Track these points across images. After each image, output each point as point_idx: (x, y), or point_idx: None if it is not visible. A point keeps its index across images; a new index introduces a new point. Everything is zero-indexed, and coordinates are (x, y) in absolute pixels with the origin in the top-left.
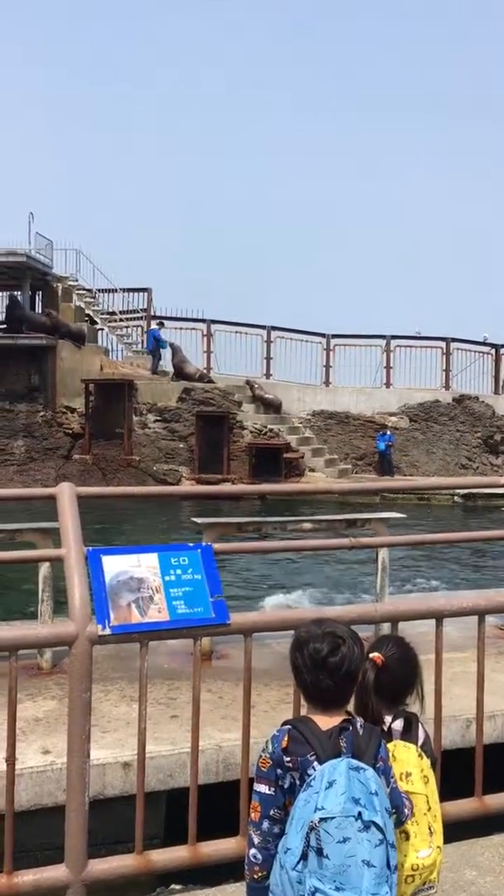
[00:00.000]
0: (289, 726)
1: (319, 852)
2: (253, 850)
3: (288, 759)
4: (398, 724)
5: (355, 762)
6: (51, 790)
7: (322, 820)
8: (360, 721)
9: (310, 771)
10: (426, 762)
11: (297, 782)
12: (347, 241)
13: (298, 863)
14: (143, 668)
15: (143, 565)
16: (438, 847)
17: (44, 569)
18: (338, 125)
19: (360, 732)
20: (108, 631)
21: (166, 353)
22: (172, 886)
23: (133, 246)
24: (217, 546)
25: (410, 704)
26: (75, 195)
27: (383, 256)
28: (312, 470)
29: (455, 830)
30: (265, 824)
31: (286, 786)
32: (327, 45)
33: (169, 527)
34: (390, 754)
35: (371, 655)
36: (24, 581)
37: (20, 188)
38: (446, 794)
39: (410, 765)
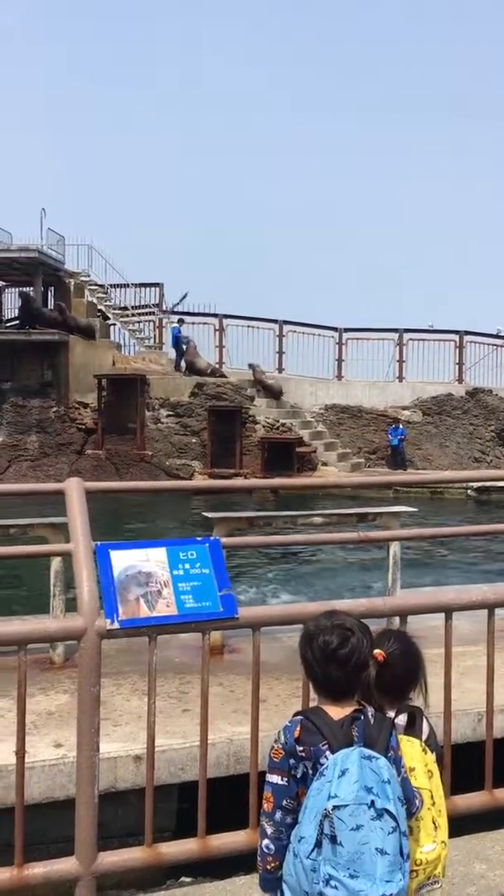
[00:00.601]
0: (301, 717)
1: (333, 840)
2: (266, 841)
3: (301, 748)
4: (401, 719)
5: (367, 751)
6: (63, 783)
7: (335, 808)
8: (371, 711)
9: (322, 760)
10: (430, 757)
11: (310, 772)
12: (359, 236)
13: (312, 851)
14: (152, 662)
15: (151, 560)
16: (443, 842)
17: (55, 563)
18: (347, 122)
19: (372, 722)
20: (116, 625)
21: (205, 353)
22: (182, 879)
23: (145, 241)
24: (225, 540)
25: (414, 699)
26: (86, 191)
27: (395, 251)
28: (325, 464)
29: (465, 824)
30: (278, 815)
31: (298, 776)
32: (335, 45)
33: (181, 521)
34: None
35: (373, 652)
36: (39, 575)
37: (32, 184)
38: (457, 787)
39: (414, 759)
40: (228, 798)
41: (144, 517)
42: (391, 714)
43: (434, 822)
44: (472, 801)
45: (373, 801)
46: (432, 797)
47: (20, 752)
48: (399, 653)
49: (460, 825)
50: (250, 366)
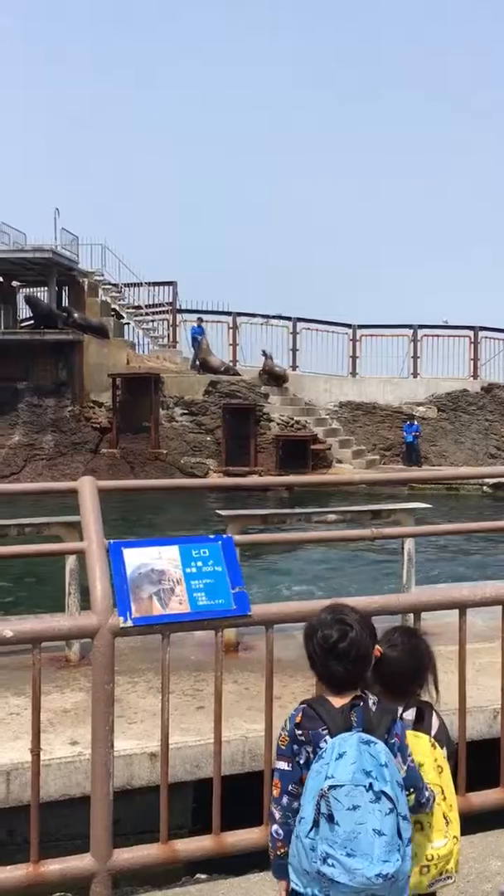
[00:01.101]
0: (304, 705)
1: (330, 819)
2: (275, 827)
3: (300, 732)
4: (409, 714)
5: (366, 736)
6: (79, 780)
7: (331, 787)
8: (372, 699)
9: (321, 744)
10: (440, 752)
11: (312, 756)
12: (372, 233)
13: (311, 830)
14: (165, 659)
15: (163, 557)
16: (455, 837)
17: (70, 561)
18: (360, 118)
19: (374, 709)
20: (129, 623)
21: (218, 349)
22: (198, 876)
23: (158, 240)
24: (238, 538)
25: (422, 695)
26: (100, 190)
27: (409, 247)
28: (340, 461)
29: (481, 821)
30: (284, 799)
31: (302, 761)
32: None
33: (195, 519)
34: None
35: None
36: (56, 574)
37: (46, 185)
38: (473, 784)
39: (422, 755)
40: (243, 795)
41: (159, 515)
42: (404, 712)
43: (445, 818)
44: (487, 797)
45: (371, 784)
46: (443, 793)
47: (35, 750)
48: (403, 648)
49: (476, 822)
50: (263, 353)
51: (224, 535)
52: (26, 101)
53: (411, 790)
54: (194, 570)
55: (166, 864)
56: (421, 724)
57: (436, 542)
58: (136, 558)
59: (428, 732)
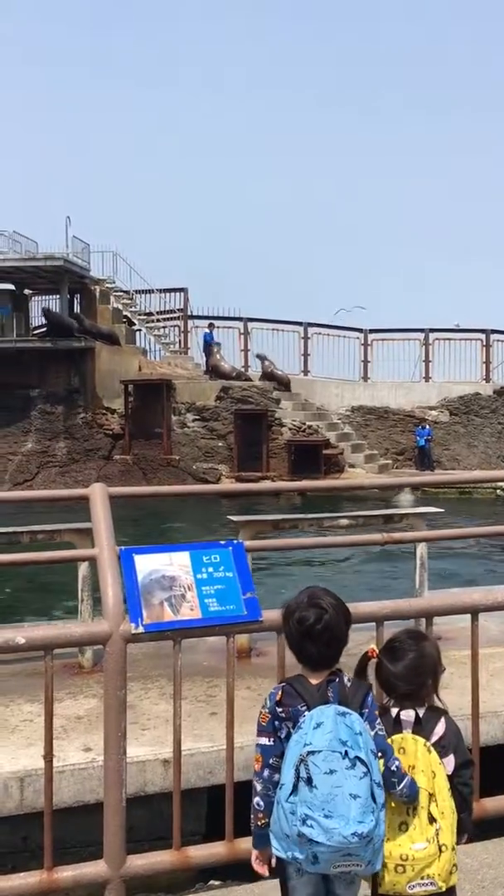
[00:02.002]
0: (284, 683)
1: (309, 782)
2: (256, 799)
3: (280, 709)
4: (408, 715)
5: (342, 708)
6: (93, 787)
7: (310, 753)
8: (346, 676)
9: (301, 719)
10: (434, 757)
11: (292, 730)
12: (383, 237)
13: (291, 794)
14: (177, 665)
15: (174, 564)
16: (444, 845)
17: (83, 568)
18: (369, 122)
19: (348, 685)
20: (141, 629)
21: (230, 357)
22: (211, 882)
23: (170, 246)
24: (249, 543)
25: (433, 699)
26: (111, 198)
27: (420, 249)
28: (352, 466)
29: (496, 826)
30: (266, 772)
31: (283, 736)
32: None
33: (207, 524)
34: (398, 746)
35: (367, 649)
36: (68, 580)
37: (58, 193)
38: (487, 790)
39: (415, 758)
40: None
41: (170, 521)
42: (395, 710)
43: (433, 821)
44: (502, 803)
45: (346, 752)
46: (433, 797)
47: (48, 757)
48: (409, 651)
49: (491, 828)
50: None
51: (235, 541)
52: (37, 109)
53: (380, 754)
54: (205, 575)
55: (180, 870)
56: (420, 726)
57: (448, 546)
58: (148, 565)
59: (426, 737)
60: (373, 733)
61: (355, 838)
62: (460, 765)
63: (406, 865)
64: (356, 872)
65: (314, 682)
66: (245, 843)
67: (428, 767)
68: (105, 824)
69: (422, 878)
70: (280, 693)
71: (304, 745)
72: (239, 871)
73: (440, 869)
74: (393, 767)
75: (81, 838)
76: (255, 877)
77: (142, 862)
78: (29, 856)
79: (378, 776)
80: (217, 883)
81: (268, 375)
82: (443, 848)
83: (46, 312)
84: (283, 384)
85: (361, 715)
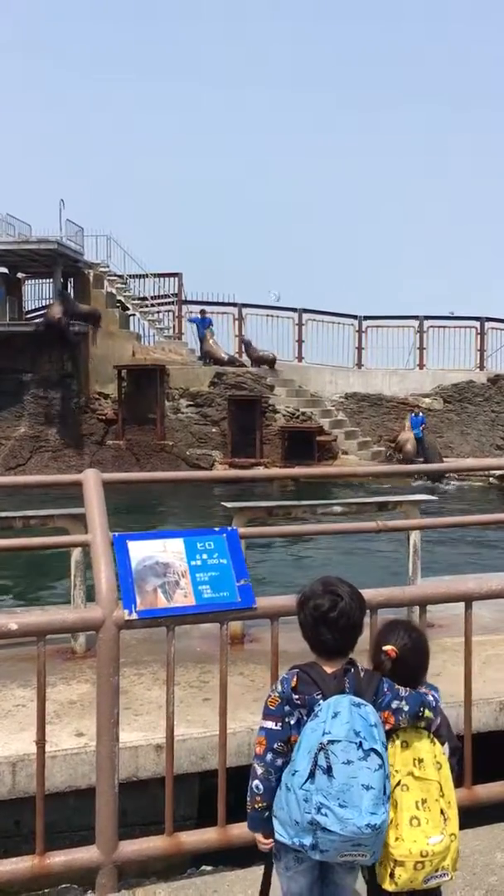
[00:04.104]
0: (297, 669)
1: (328, 771)
2: (255, 782)
3: (297, 696)
4: (400, 705)
5: (357, 699)
6: (85, 772)
7: (330, 742)
8: (360, 665)
9: (316, 707)
10: (439, 748)
11: (305, 718)
12: (377, 222)
13: (306, 782)
14: (171, 652)
15: (168, 550)
16: (453, 834)
17: (75, 554)
18: (366, 107)
19: (362, 675)
20: (134, 616)
21: (225, 342)
22: (203, 867)
23: (164, 231)
24: (243, 530)
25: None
26: (105, 181)
27: (414, 238)
28: (346, 453)
29: (487, 813)
30: (269, 756)
31: (293, 722)
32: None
33: (201, 511)
34: (403, 740)
35: (385, 648)
36: (61, 566)
37: (51, 176)
38: (479, 776)
39: (423, 751)
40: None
41: (164, 507)
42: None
43: (443, 814)
44: (493, 790)
45: (361, 743)
46: (441, 789)
47: (40, 742)
48: (410, 647)
49: (482, 814)
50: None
51: (229, 528)
52: (29, 92)
53: (422, 708)
54: (199, 562)
55: (172, 855)
56: (422, 718)
57: (442, 534)
58: (141, 551)
59: (429, 728)
60: (402, 700)
61: (368, 829)
62: (450, 751)
63: (425, 861)
64: (360, 863)
65: (329, 670)
66: (237, 830)
67: (434, 759)
68: (97, 810)
69: (437, 871)
70: (295, 679)
71: (322, 734)
72: (231, 856)
73: (452, 859)
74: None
75: (73, 823)
76: (247, 862)
77: (134, 847)
78: (21, 840)
79: (388, 769)
80: (209, 868)
81: (255, 359)
82: (452, 837)
83: (63, 298)
84: (269, 363)
85: (375, 704)
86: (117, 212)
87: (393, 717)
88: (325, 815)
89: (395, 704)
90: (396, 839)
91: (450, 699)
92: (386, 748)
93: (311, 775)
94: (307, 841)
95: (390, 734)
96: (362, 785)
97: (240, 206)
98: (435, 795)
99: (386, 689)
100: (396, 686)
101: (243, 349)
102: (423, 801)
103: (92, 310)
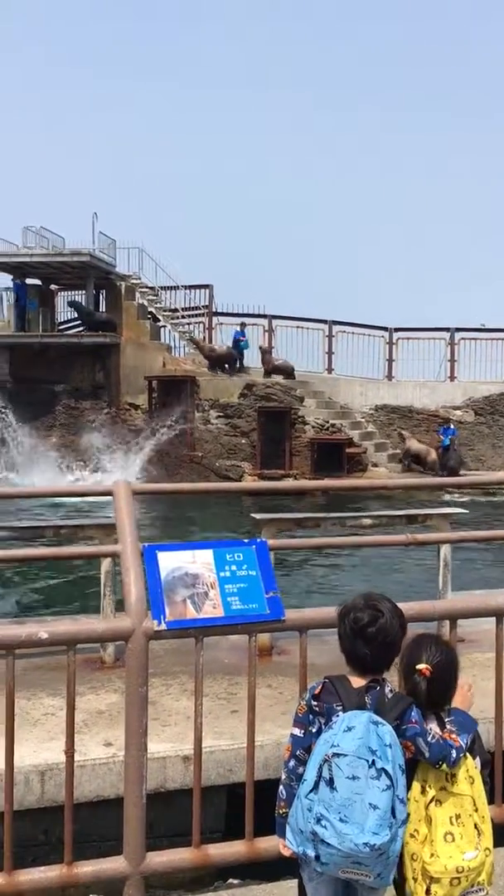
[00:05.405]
0: (326, 679)
1: (330, 783)
2: (280, 787)
3: (316, 703)
4: (433, 724)
5: (376, 717)
6: (113, 782)
7: (335, 755)
8: (390, 686)
9: (334, 717)
10: (471, 762)
11: (323, 727)
12: (409, 235)
13: (310, 792)
14: (199, 663)
15: (198, 561)
16: (487, 849)
17: (105, 564)
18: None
19: (388, 696)
20: (163, 626)
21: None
22: (230, 880)
23: (195, 243)
24: (272, 542)
25: (450, 700)
26: (138, 194)
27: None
28: (375, 465)
29: None
30: (291, 763)
31: (314, 730)
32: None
33: (230, 522)
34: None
35: (419, 667)
36: (92, 576)
37: (85, 188)
38: None
39: (457, 766)
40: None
41: (193, 518)
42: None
43: (477, 829)
44: None
45: (374, 761)
46: (474, 803)
47: (69, 751)
48: (443, 663)
49: None
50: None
51: (258, 539)
52: (68, 107)
53: (441, 761)
54: (228, 574)
55: (199, 868)
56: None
57: (473, 547)
58: (171, 562)
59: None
60: (428, 746)
61: (366, 848)
62: (481, 765)
63: (461, 877)
64: (364, 882)
65: (356, 685)
66: (265, 843)
67: (466, 773)
68: (125, 820)
69: (472, 886)
70: (319, 688)
71: (331, 746)
72: (258, 870)
73: (487, 873)
74: (451, 763)
75: (101, 833)
76: (274, 876)
77: (161, 859)
78: (49, 849)
79: (403, 792)
80: (236, 882)
81: (272, 369)
82: (487, 852)
83: (75, 305)
84: (287, 373)
85: (397, 728)
86: (150, 224)
87: (414, 750)
88: (325, 827)
89: (419, 742)
90: (432, 855)
91: (480, 715)
92: (402, 770)
93: (316, 786)
94: (310, 851)
95: None
96: (369, 804)
97: (272, 218)
98: (469, 810)
99: (414, 720)
100: (428, 725)
101: (262, 359)
102: (457, 817)
103: (108, 318)
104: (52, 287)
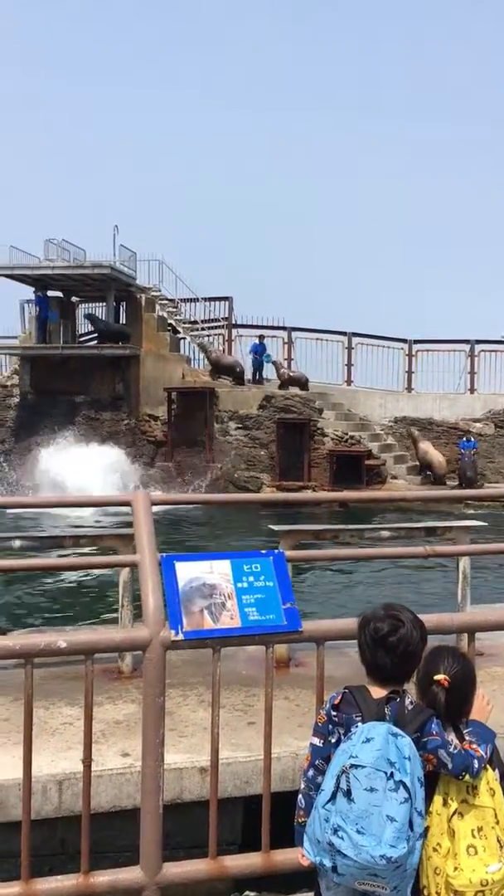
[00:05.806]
0: (346, 689)
1: (347, 794)
2: (299, 797)
3: (335, 714)
4: (450, 735)
5: (396, 729)
6: (130, 792)
7: (353, 766)
8: (410, 698)
9: (353, 728)
10: (491, 774)
11: (342, 737)
12: (428, 246)
13: (328, 802)
14: (216, 673)
15: (215, 572)
16: None
17: (123, 574)
18: (412, 128)
19: (408, 707)
20: (180, 636)
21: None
22: (247, 893)
23: (215, 255)
24: (290, 553)
25: (468, 713)
26: (158, 206)
27: (467, 261)
28: (395, 477)
29: None
30: (310, 773)
31: (333, 741)
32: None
33: (248, 533)
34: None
35: (437, 678)
36: (110, 585)
37: (106, 201)
38: None
39: (478, 778)
40: (294, 812)
41: (212, 529)
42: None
43: (499, 841)
44: None
45: (392, 773)
46: (496, 815)
47: (87, 761)
48: (462, 673)
49: None
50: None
51: (276, 551)
52: (89, 120)
53: (463, 772)
54: (246, 584)
55: (215, 879)
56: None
57: (493, 560)
58: (189, 572)
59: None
60: (451, 757)
61: (383, 861)
62: (500, 777)
63: (486, 890)
64: (380, 895)
65: (375, 696)
66: (281, 856)
67: (487, 786)
68: (142, 831)
69: None
70: (339, 698)
71: (349, 757)
72: (274, 882)
73: None
74: (472, 773)
75: (118, 843)
76: (290, 889)
77: (177, 870)
78: (66, 858)
79: (421, 805)
80: (252, 894)
81: (286, 381)
82: None
83: (91, 318)
84: (301, 385)
85: (417, 741)
86: (170, 237)
87: (436, 762)
88: (342, 837)
89: (441, 754)
90: (455, 869)
91: (500, 730)
92: (421, 783)
93: (333, 796)
94: (327, 862)
95: None
96: (386, 816)
97: (292, 231)
98: (490, 823)
99: (434, 732)
100: (449, 737)
101: (276, 372)
102: (479, 829)
103: (121, 328)
104: (73, 299)
